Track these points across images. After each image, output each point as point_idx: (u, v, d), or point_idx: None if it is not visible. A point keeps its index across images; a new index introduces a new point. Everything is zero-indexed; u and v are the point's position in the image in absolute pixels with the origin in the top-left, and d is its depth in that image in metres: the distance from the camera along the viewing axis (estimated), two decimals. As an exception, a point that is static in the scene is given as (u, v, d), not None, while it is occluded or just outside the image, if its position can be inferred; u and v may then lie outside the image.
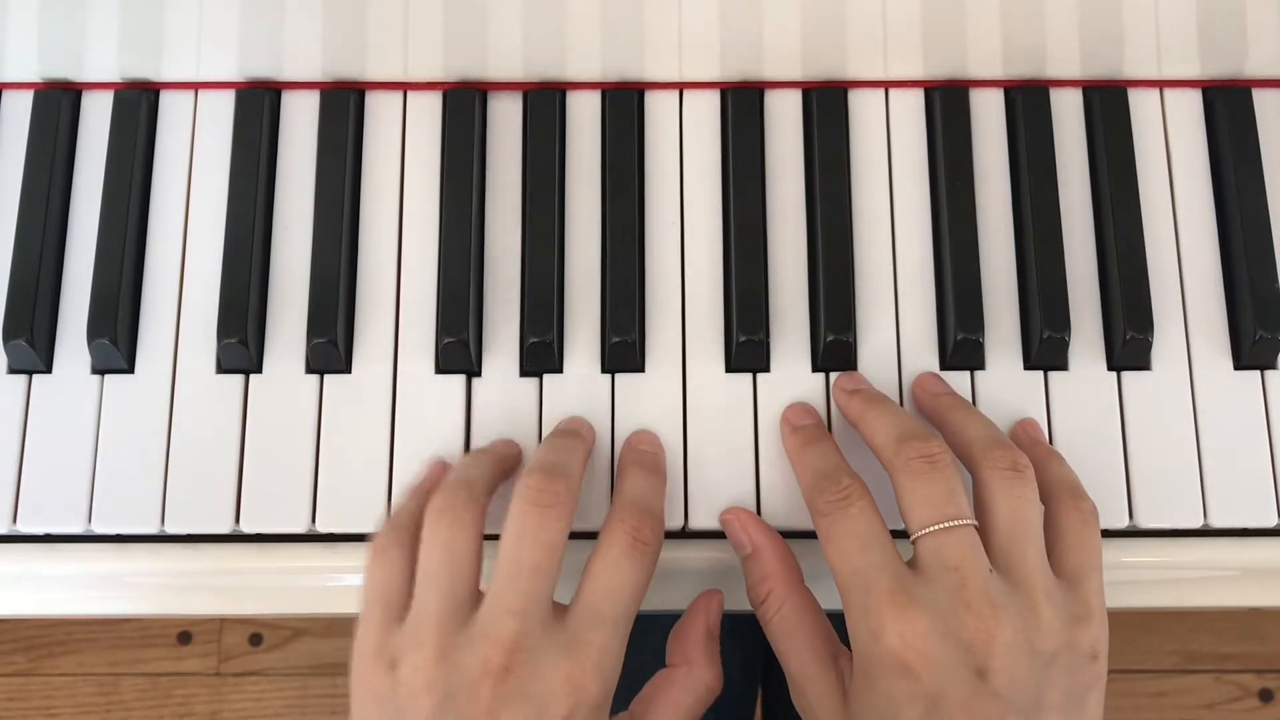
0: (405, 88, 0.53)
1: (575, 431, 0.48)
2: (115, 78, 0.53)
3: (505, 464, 0.47)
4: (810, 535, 0.46)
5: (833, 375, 0.50)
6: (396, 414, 0.50)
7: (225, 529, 0.49)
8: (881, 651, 0.41)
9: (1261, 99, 0.53)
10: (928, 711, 0.40)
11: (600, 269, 0.51)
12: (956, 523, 0.42)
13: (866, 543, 0.42)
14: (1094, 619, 0.43)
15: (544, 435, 0.49)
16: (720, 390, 0.50)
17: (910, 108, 0.53)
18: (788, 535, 0.48)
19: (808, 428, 0.48)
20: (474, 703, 0.40)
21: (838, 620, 0.44)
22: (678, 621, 0.47)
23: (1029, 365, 0.50)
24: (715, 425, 0.49)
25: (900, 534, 0.43)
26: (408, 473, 0.49)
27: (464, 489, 0.44)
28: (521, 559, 0.42)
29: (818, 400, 0.50)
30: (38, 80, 0.53)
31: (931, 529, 0.42)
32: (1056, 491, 0.45)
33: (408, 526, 0.44)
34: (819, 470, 0.45)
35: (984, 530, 0.43)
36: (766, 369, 0.50)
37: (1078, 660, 0.42)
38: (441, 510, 0.43)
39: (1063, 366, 0.50)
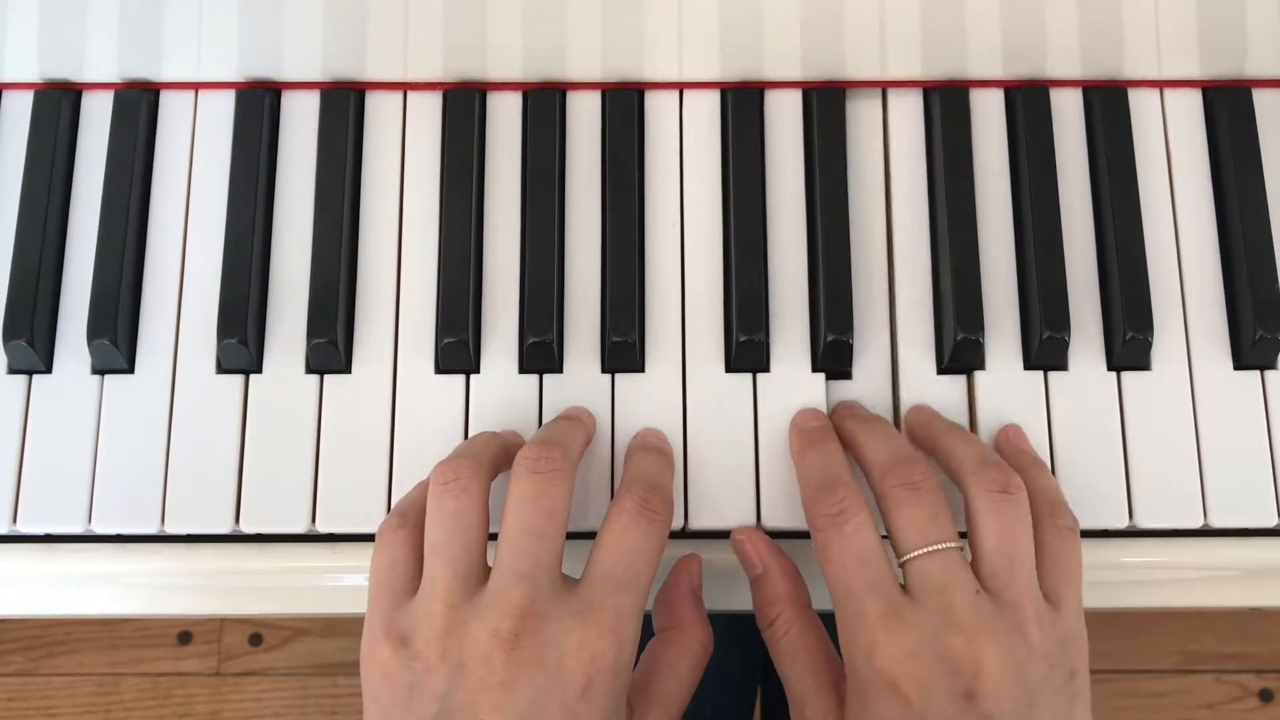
0: (405, 88, 0.53)
1: (575, 417, 0.48)
2: (115, 78, 0.53)
3: (509, 449, 0.47)
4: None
5: (832, 379, 0.50)
6: (396, 414, 0.50)
7: (225, 529, 0.49)
8: (873, 672, 0.41)
9: (1261, 99, 0.53)
10: None
11: (600, 269, 0.51)
12: (940, 546, 0.42)
13: (861, 562, 0.42)
14: (1075, 637, 0.43)
15: (544, 433, 0.49)
16: (720, 390, 0.50)
17: (910, 108, 0.53)
18: (789, 535, 0.48)
19: (813, 430, 0.48)
20: (487, 673, 0.39)
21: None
22: (660, 589, 0.47)
23: (1029, 365, 0.50)
24: (715, 425, 0.49)
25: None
26: (408, 473, 0.49)
27: (468, 460, 0.44)
28: (524, 525, 0.42)
29: (817, 401, 0.50)
30: (38, 80, 0.53)
31: (917, 553, 0.42)
32: (1036, 505, 0.45)
33: (412, 513, 0.44)
34: (817, 477, 0.45)
35: (974, 550, 0.43)
36: (766, 369, 0.50)
37: (1062, 680, 0.42)
38: (446, 483, 0.43)
39: (1063, 366, 0.50)
